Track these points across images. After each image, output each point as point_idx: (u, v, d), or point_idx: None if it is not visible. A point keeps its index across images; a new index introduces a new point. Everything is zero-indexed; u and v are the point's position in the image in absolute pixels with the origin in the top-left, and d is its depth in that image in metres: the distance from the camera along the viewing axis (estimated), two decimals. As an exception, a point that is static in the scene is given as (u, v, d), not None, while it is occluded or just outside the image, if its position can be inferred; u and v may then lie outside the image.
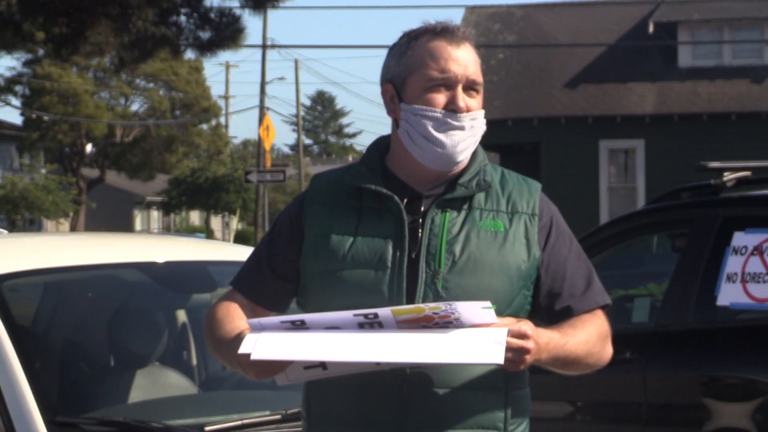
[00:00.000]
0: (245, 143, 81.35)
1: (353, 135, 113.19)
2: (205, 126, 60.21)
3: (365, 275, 2.92)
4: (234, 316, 3.02)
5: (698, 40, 31.09)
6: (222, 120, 63.33)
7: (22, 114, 53.50)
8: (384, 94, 3.09)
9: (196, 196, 56.43)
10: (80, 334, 4.94)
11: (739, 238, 6.11)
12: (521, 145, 30.03)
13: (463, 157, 3.02)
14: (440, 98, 2.99)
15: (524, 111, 30.28)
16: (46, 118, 50.82)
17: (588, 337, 2.98)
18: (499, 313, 2.85)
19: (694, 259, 6.33)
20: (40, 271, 4.84)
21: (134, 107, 57.75)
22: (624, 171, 30.36)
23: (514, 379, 2.99)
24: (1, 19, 23.54)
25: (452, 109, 2.98)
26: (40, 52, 35.22)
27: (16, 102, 53.94)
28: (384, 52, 3.11)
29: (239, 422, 4.10)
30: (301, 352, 2.77)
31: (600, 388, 6.35)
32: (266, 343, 2.78)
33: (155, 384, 4.73)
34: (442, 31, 3.03)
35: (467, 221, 3.00)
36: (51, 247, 5.45)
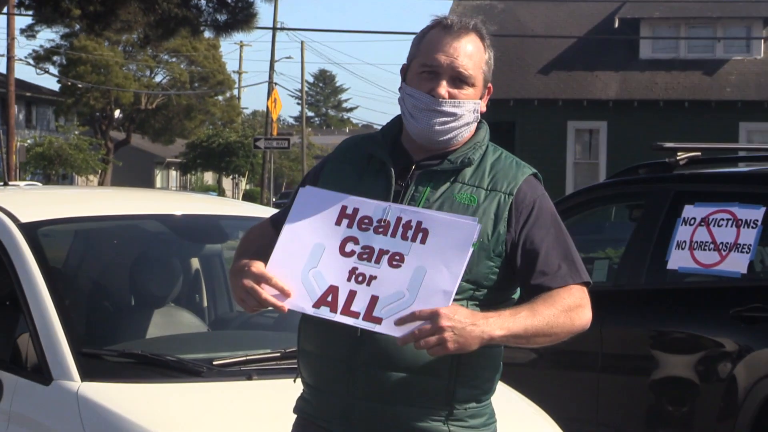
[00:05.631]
0: (255, 113, 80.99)
1: (350, 109, 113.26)
2: (220, 97, 60.02)
3: None
4: (251, 250, 3.04)
5: (658, 36, 31.00)
6: (235, 92, 63.17)
7: (58, 81, 53.28)
8: (400, 72, 3.08)
9: (210, 159, 56.31)
10: (105, 277, 4.93)
11: (689, 211, 6.11)
12: (499, 123, 29.87)
13: (446, 137, 2.97)
14: (427, 83, 2.96)
15: (502, 93, 30.20)
16: (80, 85, 50.58)
17: (551, 311, 2.88)
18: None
19: (648, 228, 6.32)
20: (71, 220, 4.84)
21: (158, 78, 57.52)
22: (588, 149, 30.34)
23: None
24: (42, -3, 23.38)
25: (433, 93, 2.95)
26: (77, 26, 35.05)
27: (54, 70, 53.73)
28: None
29: (244, 358, 4.11)
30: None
31: (561, 338, 6.35)
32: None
33: (170, 322, 4.72)
34: (448, 26, 3.00)
35: (447, 192, 2.95)
36: (81, 199, 5.43)
